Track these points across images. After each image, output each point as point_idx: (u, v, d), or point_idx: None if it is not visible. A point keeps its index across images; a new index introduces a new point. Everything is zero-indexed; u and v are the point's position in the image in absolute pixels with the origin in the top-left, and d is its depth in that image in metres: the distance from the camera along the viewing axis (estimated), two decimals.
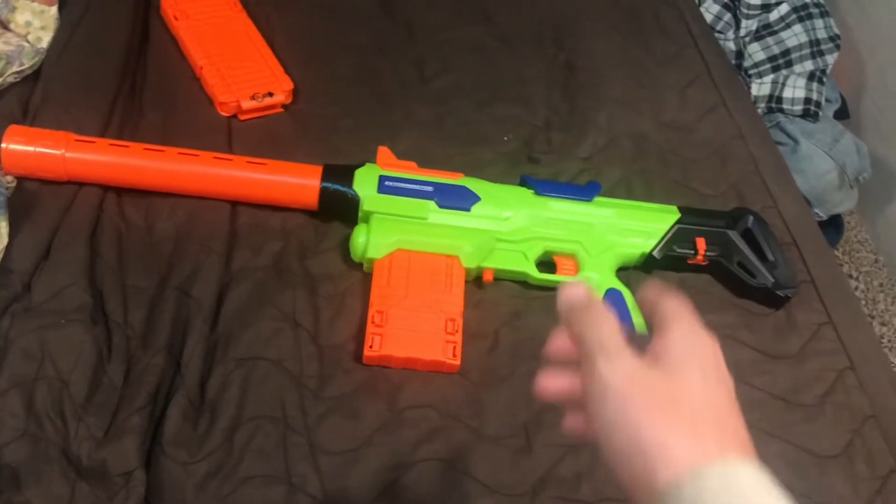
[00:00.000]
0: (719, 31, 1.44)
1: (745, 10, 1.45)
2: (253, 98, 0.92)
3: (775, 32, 1.44)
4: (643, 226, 0.84)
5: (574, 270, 0.83)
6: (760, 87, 1.42)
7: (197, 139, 0.88)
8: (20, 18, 0.93)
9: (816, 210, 1.38)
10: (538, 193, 0.84)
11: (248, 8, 1.02)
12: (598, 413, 0.39)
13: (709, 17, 1.43)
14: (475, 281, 0.82)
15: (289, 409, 0.72)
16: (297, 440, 0.70)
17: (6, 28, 0.92)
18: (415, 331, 0.76)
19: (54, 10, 0.95)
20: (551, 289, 0.83)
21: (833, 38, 1.44)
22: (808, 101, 1.39)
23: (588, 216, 0.84)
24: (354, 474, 0.68)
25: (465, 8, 1.10)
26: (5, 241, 0.76)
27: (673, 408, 0.38)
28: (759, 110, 1.42)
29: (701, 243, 0.84)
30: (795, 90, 1.40)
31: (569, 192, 0.85)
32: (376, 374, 0.75)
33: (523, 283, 0.83)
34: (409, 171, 0.84)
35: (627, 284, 0.83)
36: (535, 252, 0.82)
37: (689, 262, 0.84)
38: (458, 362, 0.75)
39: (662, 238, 0.84)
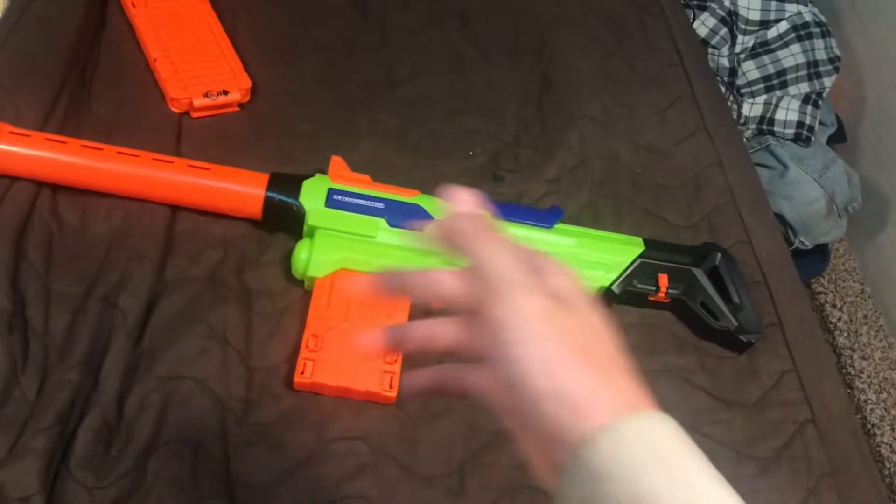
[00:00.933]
0: (714, 47, 1.39)
1: (742, 26, 1.40)
2: (206, 95, 0.87)
3: (772, 51, 1.39)
4: (604, 258, 0.80)
5: None
6: (752, 108, 1.37)
7: (144, 136, 0.84)
8: None
9: (802, 238, 1.33)
10: (495, 216, 0.80)
11: None
12: (511, 355, 0.35)
13: (704, 31, 1.38)
14: (423, 306, 0.78)
15: (209, 435, 0.68)
16: (215, 469, 0.66)
17: None
18: (350, 358, 0.71)
19: None
20: None
21: (833, 60, 1.39)
22: (800, 124, 1.34)
23: (546, 244, 0.79)
24: None
25: (443, 10, 1.05)
26: None
27: (590, 352, 0.36)
28: (749, 131, 1.37)
29: (663, 280, 0.80)
30: (788, 112, 1.35)
31: (528, 218, 0.80)
32: (307, 401, 0.71)
33: None
34: (361, 185, 0.79)
35: None
36: None
37: (651, 298, 0.80)
38: (394, 394, 0.71)
39: (623, 272, 0.80)
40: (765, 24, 1.40)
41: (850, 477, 0.75)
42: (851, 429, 0.79)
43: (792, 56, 1.38)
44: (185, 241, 0.78)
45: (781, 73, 1.38)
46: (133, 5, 0.93)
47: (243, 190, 0.78)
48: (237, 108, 0.90)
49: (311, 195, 0.78)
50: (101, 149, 0.77)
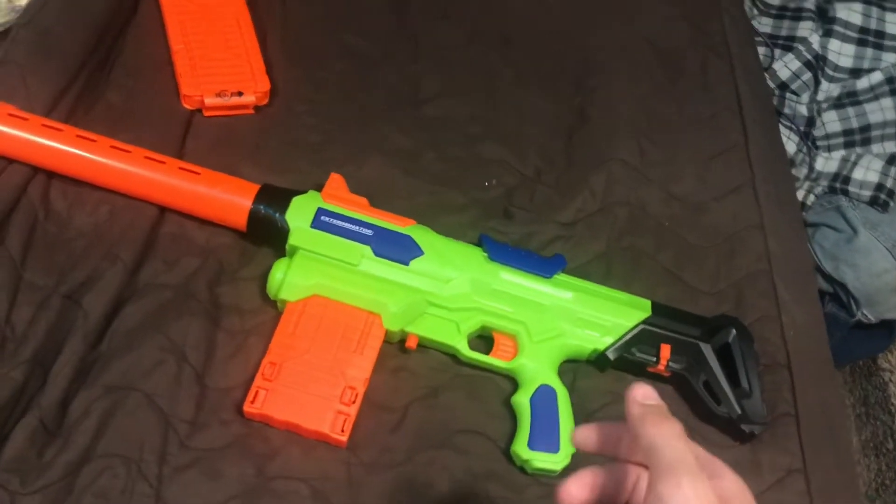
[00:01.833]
0: (793, 92, 1.28)
1: (829, 72, 1.28)
2: (218, 95, 0.84)
3: (859, 102, 1.27)
4: (603, 318, 0.73)
5: (512, 354, 0.73)
6: (827, 163, 1.26)
7: (151, 130, 0.82)
8: None
9: (865, 311, 1.22)
10: (491, 258, 0.74)
11: None
12: None
13: (785, 74, 1.28)
14: (399, 343, 0.73)
15: (147, 453, 0.64)
16: (145, 491, 0.63)
17: None
18: (305, 393, 0.67)
19: None
20: (481, 368, 0.73)
21: None
22: (880, 187, 1.23)
23: (541, 296, 0.73)
24: None
25: (485, 27, 0.99)
26: None
27: None
28: (820, 188, 1.26)
29: (665, 350, 0.72)
30: (868, 173, 1.23)
31: (526, 264, 0.74)
32: (256, 431, 0.67)
33: (453, 355, 0.73)
34: (354, 208, 0.75)
35: (573, 376, 0.73)
36: (471, 325, 0.72)
37: (649, 369, 0.73)
38: (345, 438, 0.66)
39: (622, 336, 0.73)
40: (855, 72, 1.28)
41: None
42: None
43: (881, 111, 1.26)
44: (165, 245, 0.76)
45: (866, 128, 1.26)
46: None
47: (230, 199, 0.75)
48: (252, 111, 0.87)
49: (299, 213, 0.74)
50: (94, 140, 0.75)
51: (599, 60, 0.98)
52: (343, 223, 0.73)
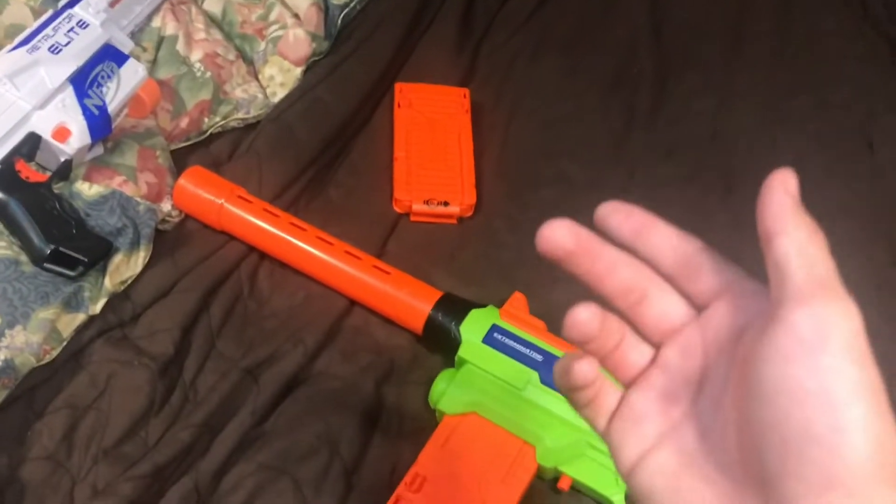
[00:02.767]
0: None
1: None
2: (426, 203, 0.88)
3: None
4: None
5: None
6: None
7: (360, 227, 0.86)
8: (266, 71, 0.99)
9: None
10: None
11: (479, 114, 0.98)
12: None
13: None
14: (551, 482, 0.69)
15: None
16: None
17: (255, 77, 0.98)
18: None
19: (299, 70, 0.99)
20: None
21: None
22: None
23: None
24: None
25: (704, 162, 0.95)
26: (138, 269, 0.79)
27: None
28: None
29: None
30: None
31: None
32: None
33: None
34: (529, 330, 0.73)
35: None
36: None
37: None
38: None
39: None
40: None
41: None
42: None
43: None
44: (345, 337, 0.78)
45: None
46: (398, 105, 0.97)
47: (412, 302, 0.76)
48: (455, 221, 0.89)
49: (474, 326, 0.73)
50: (304, 229, 0.80)
51: (829, 217, 0.89)
52: (514, 343, 0.72)
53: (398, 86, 0.98)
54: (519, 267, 0.85)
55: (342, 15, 1.05)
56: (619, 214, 0.34)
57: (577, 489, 0.68)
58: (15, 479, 0.66)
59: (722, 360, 0.31)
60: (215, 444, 0.69)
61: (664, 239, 0.34)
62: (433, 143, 0.93)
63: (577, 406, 0.35)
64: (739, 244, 0.86)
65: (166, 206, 0.84)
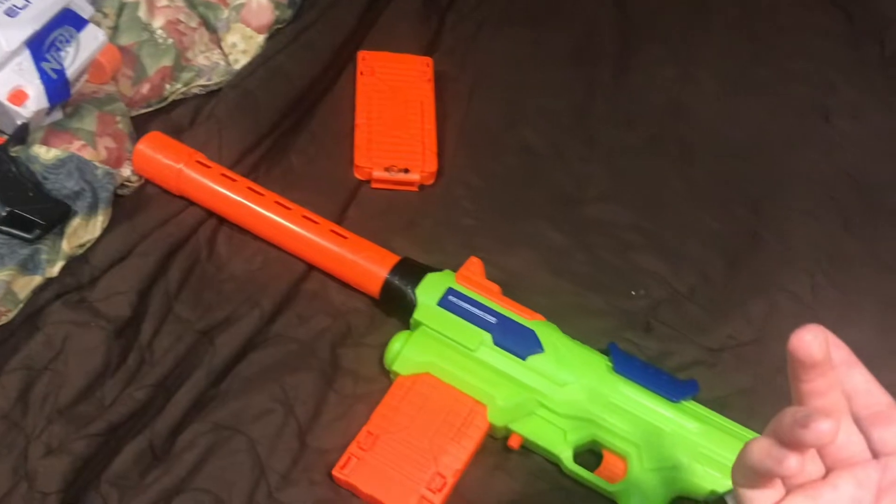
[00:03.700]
0: None
1: None
2: (386, 170, 0.88)
3: None
4: (728, 458, 0.66)
5: (619, 476, 0.67)
6: None
7: (320, 194, 0.86)
8: (229, 38, 0.98)
9: None
10: (615, 370, 0.70)
11: (442, 83, 0.98)
12: None
13: None
14: (502, 441, 0.70)
15: (235, 496, 0.66)
16: None
17: (217, 45, 0.98)
18: (395, 470, 0.66)
19: (262, 38, 0.99)
20: (583, 485, 0.68)
21: None
22: None
23: (663, 420, 0.68)
24: None
25: (666, 138, 0.96)
26: (97, 234, 0.79)
27: None
28: None
29: None
30: None
31: (653, 383, 0.69)
32: (341, 498, 0.67)
33: (556, 464, 0.69)
34: (484, 293, 0.74)
35: None
36: (580, 436, 0.68)
37: None
38: None
39: None
40: None
41: None
42: None
43: None
44: (303, 300, 0.79)
45: None
46: (361, 73, 0.97)
47: (369, 266, 0.77)
48: (416, 188, 0.89)
49: (430, 289, 0.74)
50: (262, 194, 0.81)
51: (784, 187, 0.92)
52: (469, 306, 0.73)
53: (361, 54, 0.98)
54: (478, 234, 0.85)
55: None
56: (822, 342, 0.35)
57: (527, 448, 0.69)
58: None
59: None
60: (170, 405, 0.70)
61: (862, 382, 0.37)
62: (395, 110, 0.94)
63: (744, 481, 0.38)
64: (693, 212, 0.88)
65: (126, 171, 0.84)
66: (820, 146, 0.98)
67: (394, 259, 0.77)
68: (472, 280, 0.75)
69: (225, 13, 0.99)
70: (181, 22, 0.94)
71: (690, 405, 0.69)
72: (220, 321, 0.75)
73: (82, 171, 0.79)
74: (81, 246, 0.78)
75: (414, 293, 0.74)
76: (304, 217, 0.79)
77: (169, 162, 0.82)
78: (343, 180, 0.89)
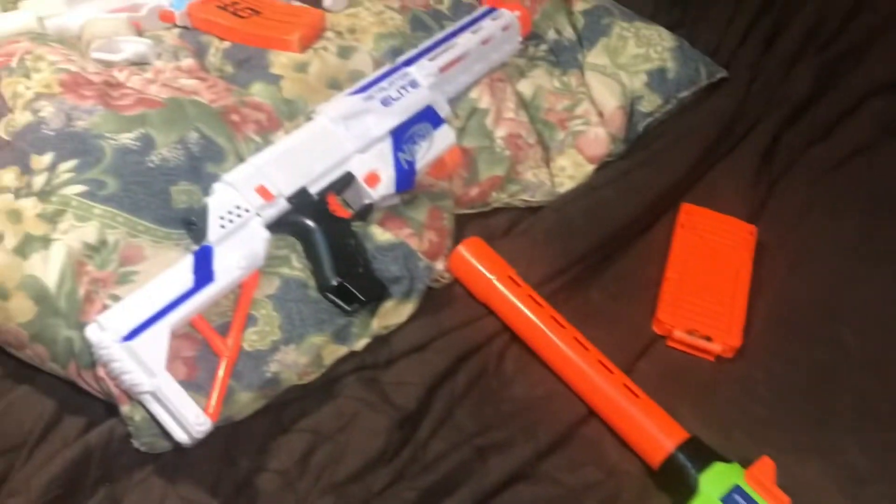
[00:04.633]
0: None
1: None
2: (689, 332, 0.85)
3: None
4: None
5: None
6: None
7: (612, 336, 0.85)
8: (560, 161, 1.01)
9: None
10: None
11: (760, 254, 0.94)
12: None
13: None
14: None
15: None
16: None
17: (546, 164, 1.01)
18: None
19: (591, 167, 1.00)
20: None
21: None
22: None
23: None
24: None
25: None
26: (403, 319, 0.83)
27: None
28: None
29: None
30: None
31: None
32: None
33: None
34: (773, 501, 0.69)
35: None
36: None
37: None
38: None
39: None
40: None
41: None
42: None
43: None
44: (578, 445, 0.77)
45: None
46: (682, 225, 0.95)
47: (656, 434, 0.74)
48: (712, 359, 0.86)
49: (715, 480, 0.70)
50: (563, 326, 0.81)
51: None
52: None
53: (685, 206, 0.97)
54: (770, 428, 0.80)
55: (645, 123, 1.06)
56: None
57: None
58: (250, 483, 0.71)
59: None
60: None
61: None
62: (709, 272, 0.91)
63: None
64: None
65: (440, 265, 0.88)
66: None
67: (683, 435, 0.74)
68: (762, 483, 0.70)
69: (561, 136, 1.02)
70: (521, 136, 0.98)
71: None
72: (496, 443, 0.76)
73: (407, 259, 0.84)
74: (387, 327, 0.82)
75: (697, 478, 0.70)
76: (600, 362, 0.78)
77: (483, 270, 0.85)
78: (640, 329, 0.88)
